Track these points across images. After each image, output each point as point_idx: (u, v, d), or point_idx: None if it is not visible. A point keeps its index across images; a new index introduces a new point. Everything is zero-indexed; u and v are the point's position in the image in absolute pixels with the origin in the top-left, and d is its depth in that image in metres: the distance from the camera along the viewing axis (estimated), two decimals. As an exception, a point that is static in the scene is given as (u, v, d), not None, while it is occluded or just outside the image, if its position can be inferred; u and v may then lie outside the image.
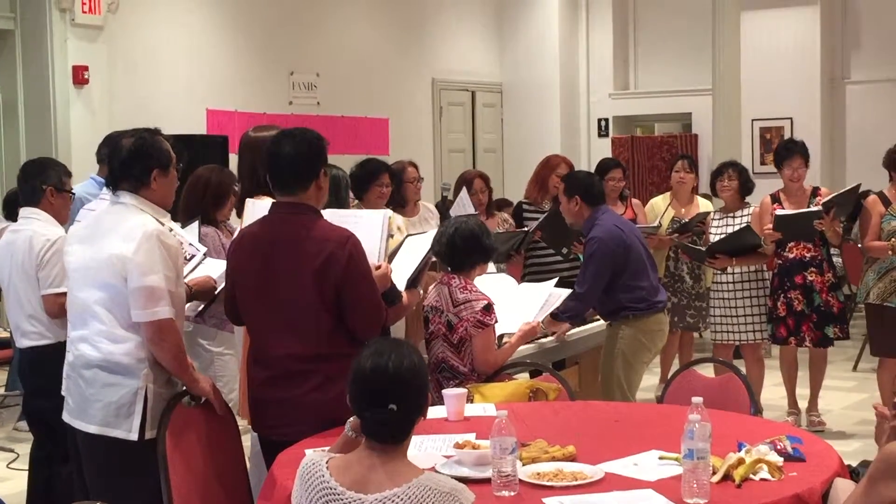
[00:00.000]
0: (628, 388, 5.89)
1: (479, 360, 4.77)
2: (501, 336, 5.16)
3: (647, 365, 6.14)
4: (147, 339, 3.84)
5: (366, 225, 4.00)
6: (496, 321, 4.82)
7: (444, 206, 7.21)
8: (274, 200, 4.04)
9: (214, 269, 4.58)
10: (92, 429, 3.90)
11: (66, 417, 4.05)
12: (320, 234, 3.85)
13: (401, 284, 4.31)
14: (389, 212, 4.56)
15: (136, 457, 3.83)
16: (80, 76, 9.25)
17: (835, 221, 6.86)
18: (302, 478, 2.82)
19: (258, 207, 4.30)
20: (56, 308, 4.86)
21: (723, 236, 7.09)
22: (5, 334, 6.09)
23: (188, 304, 4.37)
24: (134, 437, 3.85)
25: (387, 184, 6.28)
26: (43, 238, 5.00)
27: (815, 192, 7.15)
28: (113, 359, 3.87)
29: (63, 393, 4.07)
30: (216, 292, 4.42)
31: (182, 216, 5.16)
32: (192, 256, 4.58)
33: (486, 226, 5.07)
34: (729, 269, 7.16)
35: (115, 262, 3.82)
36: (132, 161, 3.95)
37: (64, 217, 5.22)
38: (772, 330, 7.16)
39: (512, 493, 3.04)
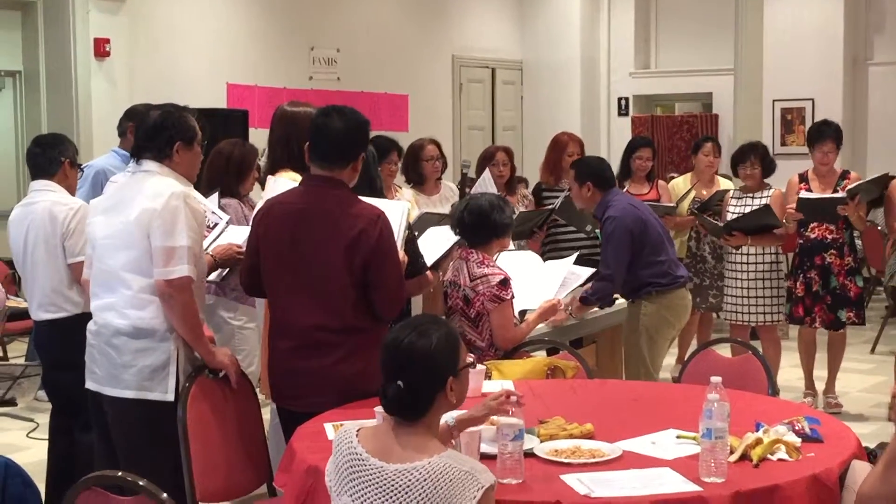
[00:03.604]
0: (652, 365, 5.90)
1: (497, 336, 4.80)
2: (523, 312, 5.17)
3: (670, 341, 6.14)
4: (160, 297, 3.89)
5: (386, 213, 4.00)
6: (513, 296, 4.83)
7: (463, 184, 7.22)
8: (305, 173, 4.07)
9: (238, 236, 4.64)
10: (128, 394, 3.95)
11: (92, 386, 4.09)
12: (353, 210, 3.87)
13: (427, 261, 4.35)
14: (408, 204, 4.60)
15: (171, 419, 3.87)
16: (101, 49, 9.27)
17: (860, 207, 6.83)
18: (335, 444, 2.85)
19: (279, 184, 4.33)
20: None
21: (740, 214, 7.09)
22: (25, 305, 6.13)
23: (213, 274, 4.41)
24: (171, 397, 3.91)
25: (395, 161, 6.41)
26: (65, 207, 5.02)
27: (845, 175, 7.10)
28: (142, 324, 3.92)
29: (87, 361, 4.11)
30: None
31: (204, 189, 5.20)
32: (215, 224, 4.63)
33: (502, 202, 5.05)
34: (744, 250, 7.14)
35: (144, 218, 3.87)
36: (157, 132, 4.01)
37: (73, 193, 5.25)
38: (789, 309, 7.15)
39: (518, 481, 3.00)
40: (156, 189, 3.91)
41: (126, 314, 3.94)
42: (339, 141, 3.92)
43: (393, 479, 2.69)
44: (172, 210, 3.86)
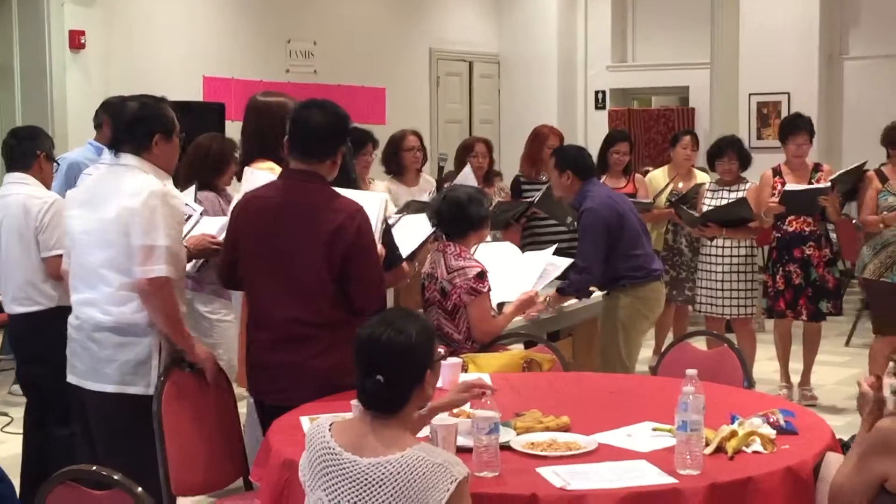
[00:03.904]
0: (627, 358, 5.92)
1: (475, 329, 4.80)
2: (502, 304, 5.17)
3: (644, 334, 6.17)
4: (140, 295, 3.88)
5: (364, 206, 3.99)
6: (489, 289, 4.84)
7: (440, 177, 7.22)
8: (283, 167, 4.06)
9: (212, 226, 4.63)
10: (109, 388, 3.95)
11: (72, 380, 4.08)
12: (332, 205, 3.86)
13: (403, 252, 4.35)
14: (387, 195, 4.60)
15: (150, 413, 3.86)
16: (76, 41, 9.20)
17: (836, 197, 6.91)
18: (308, 439, 2.84)
19: (257, 176, 4.32)
20: (60, 269, 4.87)
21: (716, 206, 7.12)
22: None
23: (188, 264, 4.40)
24: (152, 392, 3.89)
25: (370, 153, 6.43)
26: (39, 201, 5.00)
27: (817, 167, 7.18)
28: (124, 319, 3.92)
29: (68, 355, 4.09)
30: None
31: (183, 183, 5.19)
32: (189, 216, 4.63)
33: (480, 194, 5.08)
34: (718, 243, 7.17)
35: (123, 217, 3.85)
36: (136, 124, 3.97)
37: (48, 186, 5.22)
38: (767, 304, 7.18)
39: (494, 473, 3.00)
40: (134, 186, 3.88)
41: (108, 310, 3.93)
42: (318, 135, 3.91)
43: (366, 473, 2.68)
44: (151, 209, 3.85)
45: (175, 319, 3.95)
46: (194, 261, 4.65)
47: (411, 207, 5.78)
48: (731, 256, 7.15)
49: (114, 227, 3.88)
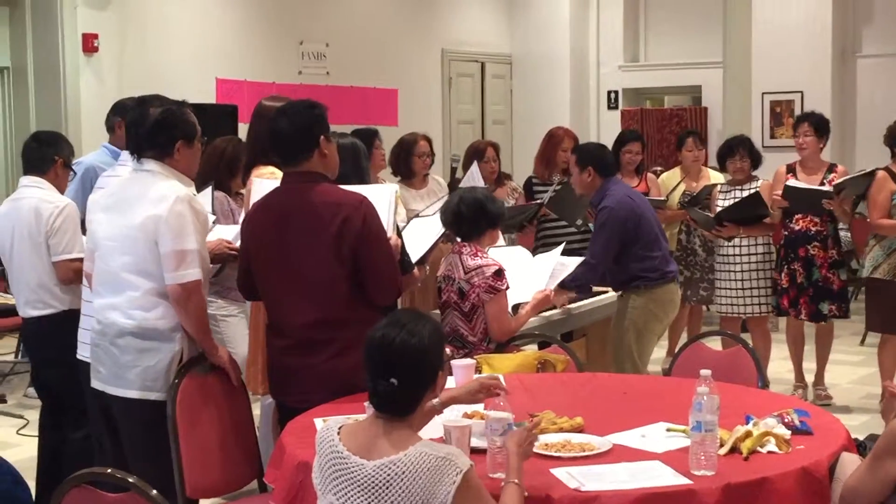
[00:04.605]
0: (639, 359, 5.91)
1: (492, 328, 4.80)
2: (517, 306, 5.18)
3: (658, 336, 6.15)
4: (173, 300, 3.89)
5: (374, 200, 4.01)
6: (508, 287, 4.84)
7: (452, 178, 7.23)
8: (282, 172, 4.10)
9: (228, 233, 4.66)
10: (132, 394, 3.96)
11: (97, 385, 4.09)
12: (334, 199, 3.89)
13: (412, 258, 4.36)
14: (396, 187, 4.62)
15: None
16: (89, 44, 9.23)
17: (844, 202, 6.85)
18: (317, 443, 2.85)
19: (264, 185, 4.34)
20: (70, 274, 4.89)
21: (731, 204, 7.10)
22: (14, 302, 6.13)
23: None
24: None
25: (379, 146, 6.49)
26: (50, 205, 5.01)
27: (832, 168, 7.13)
28: (147, 324, 3.92)
29: (91, 361, 4.10)
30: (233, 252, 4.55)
31: (197, 183, 5.22)
32: None
33: (492, 194, 5.11)
34: (736, 242, 7.15)
35: (150, 224, 3.87)
36: (158, 131, 3.98)
37: (62, 192, 5.24)
38: (775, 301, 7.17)
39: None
40: (160, 193, 3.90)
41: (132, 315, 3.94)
42: (291, 139, 3.95)
43: (373, 477, 2.69)
44: (178, 214, 3.87)
45: (204, 323, 3.99)
46: (211, 265, 4.66)
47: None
48: (749, 255, 7.14)
49: (140, 234, 3.89)
